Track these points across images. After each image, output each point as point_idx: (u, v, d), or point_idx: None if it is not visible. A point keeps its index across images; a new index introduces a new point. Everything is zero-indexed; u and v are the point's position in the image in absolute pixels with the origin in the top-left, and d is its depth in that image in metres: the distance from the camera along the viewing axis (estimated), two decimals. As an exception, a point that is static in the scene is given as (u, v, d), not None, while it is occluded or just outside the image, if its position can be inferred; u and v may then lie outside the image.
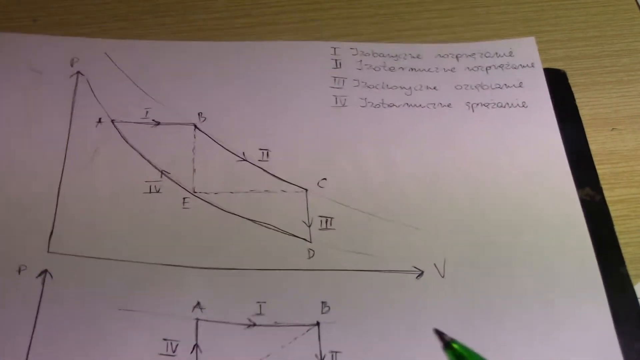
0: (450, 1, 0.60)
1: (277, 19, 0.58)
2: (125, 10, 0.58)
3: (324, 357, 0.42)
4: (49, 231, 0.45)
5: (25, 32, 0.55)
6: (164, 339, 0.42)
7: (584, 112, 0.53)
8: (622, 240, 0.47)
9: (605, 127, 0.52)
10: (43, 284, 0.43)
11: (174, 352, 0.41)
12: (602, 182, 0.49)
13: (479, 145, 0.50)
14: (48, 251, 0.44)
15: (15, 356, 0.41)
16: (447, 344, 0.39)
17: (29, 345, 0.41)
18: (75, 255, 0.44)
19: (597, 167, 0.50)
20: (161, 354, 0.41)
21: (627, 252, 0.46)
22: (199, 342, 0.42)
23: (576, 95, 0.54)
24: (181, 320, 0.42)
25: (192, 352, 0.42)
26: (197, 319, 0.42)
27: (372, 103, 0.52)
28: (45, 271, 0.43)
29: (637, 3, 0.60)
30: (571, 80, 0.54)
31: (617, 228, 0.47)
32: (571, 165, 0.49)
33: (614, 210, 0.48)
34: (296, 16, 0.58)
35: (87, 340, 0.41)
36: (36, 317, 0.42)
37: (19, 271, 0.43)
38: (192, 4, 0.58)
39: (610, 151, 0.51)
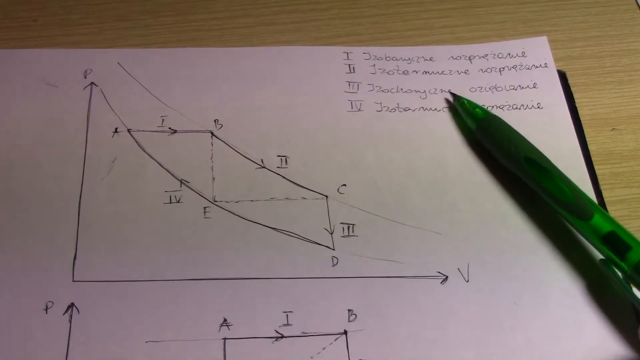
0: (450, 1, 0.59)
1: (277, 19, 0.58)
2: (125, 10, 0.57)
3: (353, 366, 0.41)
4: (73, 255, 0.44)
5: (26, 32, 0.55)
6: None
7: (584, 112, 0.52)
8: (622, 241, 0.46)
9: (606, 128, 0.52)
10: (70, 321, 0.42)
11: None
12: (602, 182, 0.49)
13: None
14: (73, 280, 0.43)
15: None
16: None
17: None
18: (100, 281, 0.43)
19: (597, 167, 0.50)
20: None
21: (627, 252, 0.46)
22: None
23: (576, 96, 0.53)
24: (208, 344, 0.42)
25: None
26: (225, 339, 0.42)
27: (388, 107, 0.52)
28: (71, 305, 0.43)
29: (637, 3, 0.59)
30: (571, 81, 0.54)
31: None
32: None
33: (614, 211, 0.48)
34: (296, 16, 0.58)
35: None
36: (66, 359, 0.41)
37: (46, 310, 0.42)
38: (193, 4, 0.58)
39: (610, 151, 0.51)
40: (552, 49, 0.56)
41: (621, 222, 0.45)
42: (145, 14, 0.57)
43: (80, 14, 0.57)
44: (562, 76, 0.55)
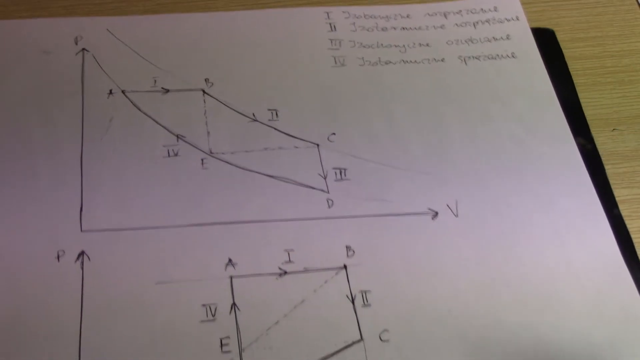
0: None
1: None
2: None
3: (355, 296, 0.43)
4: (79, 207, 0.46)
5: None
6: (203, 305, 0.43)
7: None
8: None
9: (607, 128, 0.52)
10: (82, 267, 0.44)
11: (213, 315, 0.43)
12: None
13: (475, 95, 0.53)
14: (81, 230, 0.45)
15: (69, 341, 0.42)
16: None
17: (80, 330, 0.42)
18: (107, 230, 0.45)
19: (597, 167, 0.50)
20: (202, 321, 0.42)
21: (628, 252, 0.46)
22: (235, 301, 0.43)
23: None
24: (216, 282, 0.43)
25: (230, 312, 0.43)
26: (231, 277, 0.44)
27: (370, 61, 0.54)
28: (82, 253, 0.44)
29: (638, 3, 0.60)
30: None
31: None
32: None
33: (615, 211, 0.48)
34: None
35: (130, 320, 0.42)
36: (82, 303, 0.43)
37: (58, 258, 0.44)
38: (194, 4, 0.59)
39: (611, 152, 0.51)
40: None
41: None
42: (145, 13, 0.58)
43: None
44: (551, 34, 0.57)
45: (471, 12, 0.57)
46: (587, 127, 0.52)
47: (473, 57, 0.55)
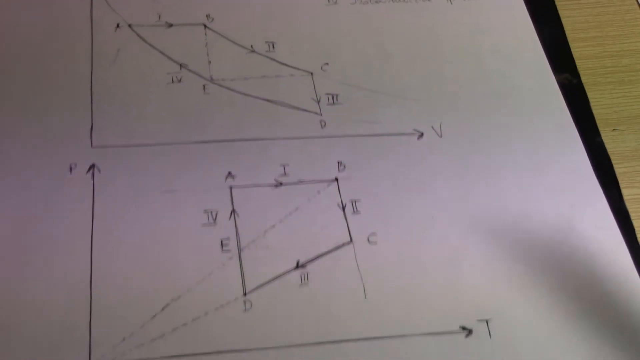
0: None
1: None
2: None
3: (345, 205, 0.47)
4: (89, 126, 0.49)
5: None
6: (204, 211, 0.46)
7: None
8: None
9: (607, 128, 0.52)
10: (93, 178, 0.47)
11: (214, 220, 0.46)
12: (603, 182, 0.50)
13: (459, 31, 0.57)
14: (92, 146, 0.48)
15: (82, 244, 0.45)
16: None
17: (92, 233, 0.45)
18: (116, 146, 0.49)
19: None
20: (204, 225, 0.46)
21: (629, 253, 0.47)
22: (235, 207, 0.47)
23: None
24: (217, 191, 0.47)
25: (230, 217, 0.46)
26: (231, 187, 0.47)
27: (361, 0, 0.57)
28: (93, 165, 0.48)
29: (638, 3, 0.60)
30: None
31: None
32: (550, 54, 0.56)
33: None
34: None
35: (139, 224, 0.46)
36: (93, 208, 0.46)
37: (71, 170, 0.47)
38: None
39: (611, 152, 0.51)
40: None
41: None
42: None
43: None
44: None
45: (456, -41, 0.61)
46: (573, 62, 0.55)
47: (458, 0, 0.58)
